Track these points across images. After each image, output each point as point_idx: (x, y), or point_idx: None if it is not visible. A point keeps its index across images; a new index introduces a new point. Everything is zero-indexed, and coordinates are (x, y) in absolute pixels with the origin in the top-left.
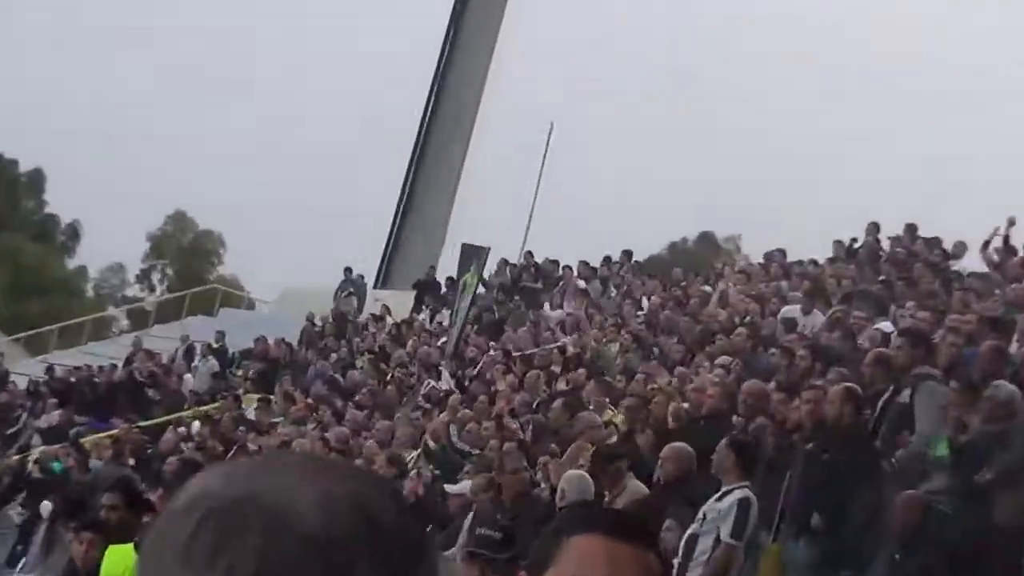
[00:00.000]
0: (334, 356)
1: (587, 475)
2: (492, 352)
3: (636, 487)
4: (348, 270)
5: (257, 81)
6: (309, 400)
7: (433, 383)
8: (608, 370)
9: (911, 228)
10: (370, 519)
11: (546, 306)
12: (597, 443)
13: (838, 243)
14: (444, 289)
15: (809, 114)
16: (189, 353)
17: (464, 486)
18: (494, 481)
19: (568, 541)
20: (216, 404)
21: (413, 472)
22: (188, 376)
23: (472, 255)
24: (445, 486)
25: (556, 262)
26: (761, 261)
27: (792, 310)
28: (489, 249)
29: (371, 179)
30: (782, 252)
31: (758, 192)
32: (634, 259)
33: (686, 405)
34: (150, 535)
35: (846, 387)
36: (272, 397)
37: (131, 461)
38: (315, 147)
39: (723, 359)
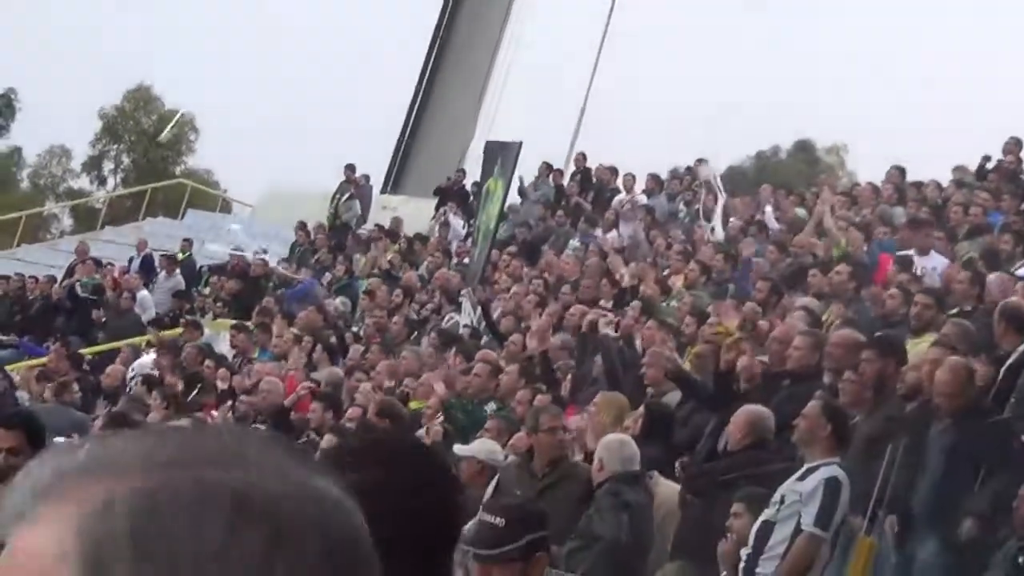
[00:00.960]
0: (328, 276)
1: (630, 439)
2: (529, 281)
3: (669, 492)
4: (350, 168)
5: None
6: (294, 330)
7: (456, 316)
8: (658, 315)
9: None
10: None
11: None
12: (651, 400)
13: (959, 168)
14: (471, 197)
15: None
16: (147, 264)
17: (479, 447)
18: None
19: None
20: (178, 330)
21: (422, 430)
22: (144, 293)
23: (497, 154)
24: (455, 447)
25: (614, 170)
26: (870, 181)
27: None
28: (520, 144)
29: (382, 54)
30: (901, 171)
31: (871, 91)
32: None
33: (763, 359)
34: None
35: (965, 365)
36: (249, 324)
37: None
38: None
39: (807, 301)
